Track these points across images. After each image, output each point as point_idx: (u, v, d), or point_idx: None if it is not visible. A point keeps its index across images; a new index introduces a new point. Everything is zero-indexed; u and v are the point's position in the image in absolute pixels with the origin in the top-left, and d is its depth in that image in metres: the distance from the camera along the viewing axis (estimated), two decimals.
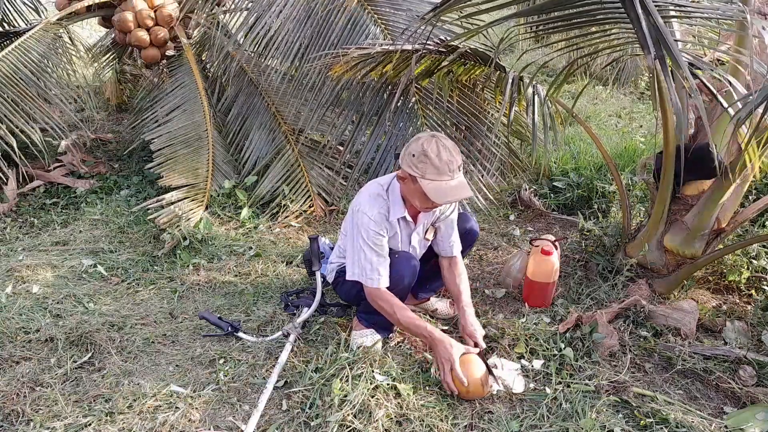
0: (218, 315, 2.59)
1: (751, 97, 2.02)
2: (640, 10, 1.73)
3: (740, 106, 2.08)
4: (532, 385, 2.22)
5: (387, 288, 2.23)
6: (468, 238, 2.55)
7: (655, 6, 1.78)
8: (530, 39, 2.41)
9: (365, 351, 2.25)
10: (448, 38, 3.17)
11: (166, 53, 4.68)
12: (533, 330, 2.45)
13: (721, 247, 2.75)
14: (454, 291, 2.43)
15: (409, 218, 2.31)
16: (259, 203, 3.82)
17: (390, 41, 3.52)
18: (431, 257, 2.55)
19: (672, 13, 2.18)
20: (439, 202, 2.08)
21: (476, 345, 2.25)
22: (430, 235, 2.46)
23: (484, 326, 2.46)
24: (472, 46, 3.08)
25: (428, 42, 3.02)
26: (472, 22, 3.16)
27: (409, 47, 3.04)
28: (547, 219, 3.81)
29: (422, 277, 2.53)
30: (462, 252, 2.59)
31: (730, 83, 2.16)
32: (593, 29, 2.24)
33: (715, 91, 2.23)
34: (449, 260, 2.48)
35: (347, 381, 2.08)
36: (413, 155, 2.08)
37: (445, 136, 2.14)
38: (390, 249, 2.29)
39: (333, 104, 3.70)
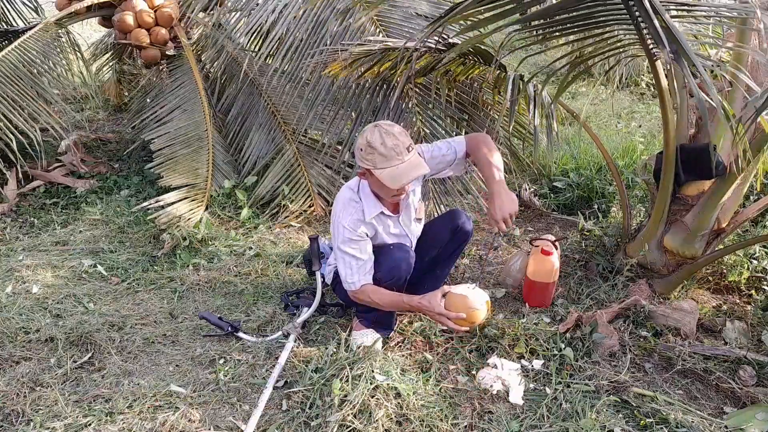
0: (218, 315, 2.59)
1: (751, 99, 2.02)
2: (650, 9, 1.72)
3: (743, 108, 2.08)
4: (532, 385, 2.22)
5: (384, 281, 2.27)
6: (458, 237, 2.54)
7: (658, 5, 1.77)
8: (532, 43, 2.41)
9: (365, 351, 2.26)
10: (449, 37, 3.16)
11: (166, 53, 4.68)
12: (533, 330, 2.45)
13: (721, 247, 2.75)
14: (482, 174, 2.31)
15: (387, 212, 2.32)
16: (259, 203, 3.81)
17: (386, 38, 3.51)
18: (425, 255, 2.56)
19: (674, 12, 2.18)
20: (396, 187, 2.11)
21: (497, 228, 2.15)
22: (420, 213, 2.49)
23: (483, 326, 2.45)
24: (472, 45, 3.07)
25: (427, 41, 3.01)
26: (474, 28, 3.14)
27: (407, 45, 3.03)
28: (547, 219, 3.81)
29: (418, 276, 2.53)
30: (454, 253, 2.60)
31: (732, 83, 2.16)
32: (595, 32, 2.24)
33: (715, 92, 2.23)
34: (470, 155, 2.34)
35: (347, 381, 2.08)
36: (361, 149, 2.13)
37: (389, 122, 2.16)
38: (382, 243, 2.34)
39: (331, 103, 3.69)
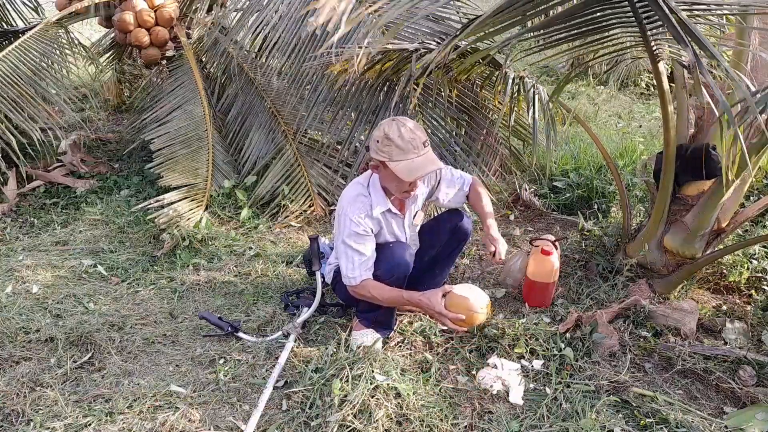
0: (218, 315, 2.59)
1: (754, 98, 2.02)
2: (666, 8, 1.72)
3: (744, 106, 2.08)
4: (532, 385, 2.22)
5: (384, 279, 2.27)
6: (458, 237, 2.55)
7: (666, 5, 1.77)
8: (540, 49, 2.43)
9: (365, 351, 2.26)
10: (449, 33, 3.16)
11: (166, 53, 4.68)
12: (533, 330, 2.45)
13: (721, 247, 2.75)
14: (478, 213, 2.55)
15: (394, 210, 2.33)
16: (259, 203, 3.81)
17: (389, 38, 3.51)
18: (425, 254, 2.56)
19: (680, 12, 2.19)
20: (410, 179, 2.13)
21: (494, 254, 2.33)
22: (418, 220, 2.50)
23: (483, 326, 2.46)
24: (473, 46, 3.07)
25: (429, 42, 3.02)
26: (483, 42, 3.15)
27: (409, 46, 3.04)
28: (547, 219, 3.81)
29: (417, 275, 2.54)
30: (453, 252, 2.61)
31: (734, 81, 2.16)
32: (598, 35, 2.25)
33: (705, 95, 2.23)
34: (470, 193, 2.55)
35: (347, 381, 2.08)
36: (377, 141, 2.15)
37: (405, 117, 2.20)
38: (383, 242, 2.35)
39: (331, 103, 3.69)
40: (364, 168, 2.40)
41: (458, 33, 2.15)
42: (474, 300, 2.15)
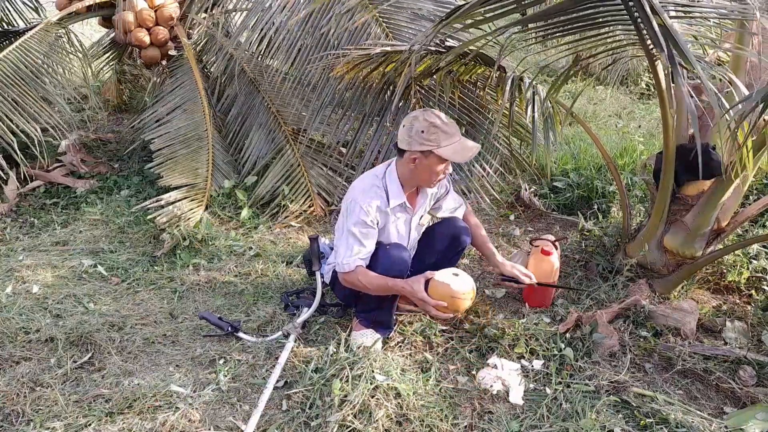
0: (218, 315, 2.59)
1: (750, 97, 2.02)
2: (649, 10, 1.73)
3: (740, 107, 2.08)
4: (532, 385, 2.22)
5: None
6: (458, 243, 2.54)
7: (649, 5, 1.77)
8: (532, 43, 2.42)
9: (365, 351, 2.26)
10: (449, 39, 3.16)
11: (167, 53, 4.68)
12: (533, 330, 2.45)
13: (721, 247, 2.75)
14: (481, 247, 2.63)
15: (407, 204, 2.35)
16: (259, 203, 3.81)
17: (392, 40, 3.52)
18: (426, 258, 2.56)
19: (672, 13, 2.18)
20: (463, 160, 2.22)
21: (519, 281, 2.49)
22: (425, 221, 2.52)
23: (483, 327, 2.46)
24: (471, 47, 3.07)
25: (427, 44, 3.01)
26: (476, 30, 3.15)
27: (407, 49, 3.03)
28: (547, 219, 3.81)
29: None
30: (453, 258, 2.61)
31: (731, 82, 2.16)
32: (596, 32, 2.25)
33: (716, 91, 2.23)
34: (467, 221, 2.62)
35: (347, 381, 2.08)
36: (421, 131, 2.15)
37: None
38: (382, 241, 2.36)
39: (335, 105, 3.69)
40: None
41: (443, 19, 2.13)
42: (456, 286, 2.15)
